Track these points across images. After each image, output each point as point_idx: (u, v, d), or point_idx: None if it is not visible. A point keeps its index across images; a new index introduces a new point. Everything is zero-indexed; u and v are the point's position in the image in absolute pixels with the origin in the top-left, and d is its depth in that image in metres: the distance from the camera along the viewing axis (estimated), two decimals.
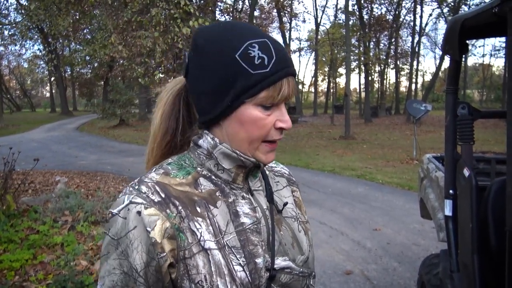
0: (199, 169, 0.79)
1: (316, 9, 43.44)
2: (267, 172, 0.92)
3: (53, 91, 49.23)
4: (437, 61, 40.94)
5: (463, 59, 2.35)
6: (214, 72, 0.73)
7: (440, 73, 34.50)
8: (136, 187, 0.75)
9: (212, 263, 0.72)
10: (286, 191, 0.94)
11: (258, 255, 0.76)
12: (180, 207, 0.73)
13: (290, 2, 33.16)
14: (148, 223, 0.70)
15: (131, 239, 0.70)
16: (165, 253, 0.70)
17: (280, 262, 0.79)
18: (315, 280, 0.91)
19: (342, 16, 35.68)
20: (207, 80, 0.74)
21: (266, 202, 0.83)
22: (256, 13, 31.50)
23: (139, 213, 0.70)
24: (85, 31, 18.18)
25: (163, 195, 0.73)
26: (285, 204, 0.88)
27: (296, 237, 0.86)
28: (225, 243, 0.74)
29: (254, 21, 27.82)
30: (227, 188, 0.79)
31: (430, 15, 56.13)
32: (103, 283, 0.72)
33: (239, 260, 0.74)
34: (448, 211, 2.16)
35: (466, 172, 1.96)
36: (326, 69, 50.85)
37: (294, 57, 56.43)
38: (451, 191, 2.15)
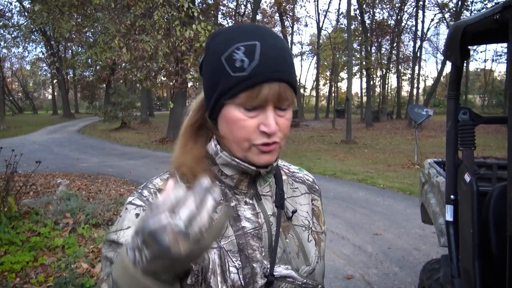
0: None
1: (318, 14, 43.72)
2: (285, 177, 0.92)
3: (55, 94, 49.33)
4: (439, 66, 40.97)
5: (465, 65, 2.35)
6: (208, 72, 0.77)
7: (441, 78, 34.51)
8: (139, 191, 0.79)
9: (208, 260, 0.74)
10: (303, 198, 0.92)
11: (256, 260, 0.77)
12: None
13: (292, 6, 33.28)
14: None
15: (120, 236, 0.74)
16: None
17: (281, 270, 0.78)
18: None
19: (344, 21, 35.83)
20: (205, 80, 0.79)
21: (272, 208, 0.83)
22: (259, 17, 31.60)
23: (137, 215, 0.74)
24: (87, 34, 18.27)
25: None
26: (294, 211, 0.86)
27: (303, 247, 0.84)
28: (222, 246, 0.75)
29: None
30: (230, 193, 0.80)
31: (432, 20, 56.37)
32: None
33: (234, 263, 0.75)
34: (449, 216, 2.16)
35: (467, 178, 1.96)
36: (328, 73, 50.87)
37: (296, 61, 56.51)
38: (452, 197, 2.15)
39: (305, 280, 0.81)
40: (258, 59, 0.71)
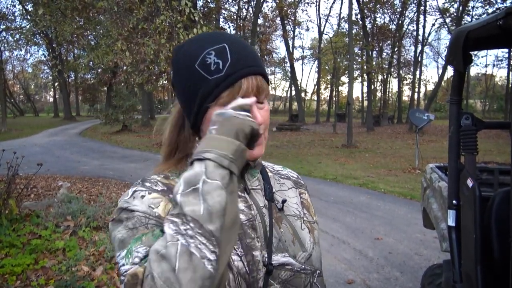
0: None
1: (320, 18, 43.61)
2: (270, 174, 0.96)
3: (57, 96, 49.43)
4: (440, 71, 40.96)
5: (467, 70, 2.35)
6: (183, 84, 0.80)
7: (442, 82, 34.55)
8: (140, 182, 0.81)
9: None
10: (291, 192, 0.97)
11: (256, 248, 0.79)
12: None
13: (293, 10, 33.39)
14: (152, 203, 0.75)
15: (136, 216, 0.73)
16: None
17: (279, 258, 0.81)
18: (323, 279, 0.92)
19: (345, 25, 35.92)
20: (181, 93, 0.82)
21: (264, 201, 0.86)
22: (260, 21, 31.69)
23: (143, 196, 0.76)
24: (89, 37, 18.32)
25: (165, 188, 0.79)
26: (284, 201, 0.89)
27: (298, 234, 0.87)
28: None
29: (258, 29, 27.97)
30: None
31: (433, 25, 56.48)
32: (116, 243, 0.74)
33: (236, 251, 0.77)
34: (451, 221, 2.16)
35: (469, 183, 1.96)
36: (329, 78, 50.93)
37: (297, 65, 56.60)
38: (454, 201, 2.15)
39: (303, 266, 0.84)
40: (230, 58, 0.76)
